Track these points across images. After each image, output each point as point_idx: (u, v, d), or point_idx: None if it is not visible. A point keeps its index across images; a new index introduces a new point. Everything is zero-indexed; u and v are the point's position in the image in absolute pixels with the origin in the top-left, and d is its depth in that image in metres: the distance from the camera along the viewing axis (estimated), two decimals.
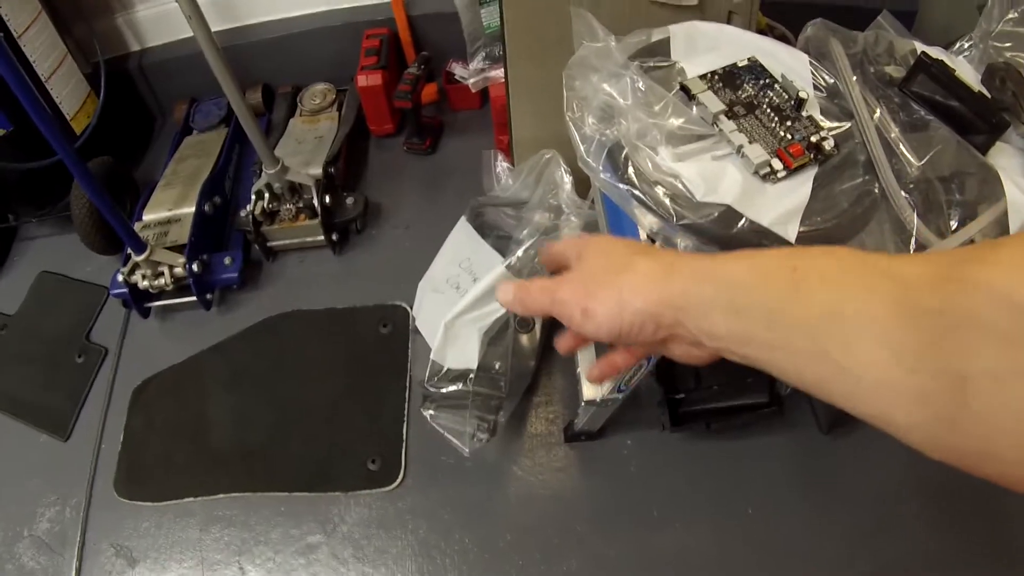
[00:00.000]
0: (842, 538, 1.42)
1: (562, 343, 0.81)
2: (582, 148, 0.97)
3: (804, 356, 0.47)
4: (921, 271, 0.42)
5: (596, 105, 0.98)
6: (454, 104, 2.26)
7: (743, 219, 0.86)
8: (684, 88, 0.99)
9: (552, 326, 1.63)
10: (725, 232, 0.87)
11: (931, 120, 0.97)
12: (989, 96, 0.98)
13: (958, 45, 1.10)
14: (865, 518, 1.43)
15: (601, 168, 0.95)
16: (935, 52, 1.03)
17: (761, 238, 0.86)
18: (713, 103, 0.96)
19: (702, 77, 1.00)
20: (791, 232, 0.86)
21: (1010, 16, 1.04)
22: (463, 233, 1.59)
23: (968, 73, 1.04)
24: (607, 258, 0.63)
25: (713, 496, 1.49)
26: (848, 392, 0.45)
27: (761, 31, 1.39)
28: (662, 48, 1.07)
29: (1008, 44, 1.05)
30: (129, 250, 1.83)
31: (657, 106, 0.95)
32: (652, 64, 1.04)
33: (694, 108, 0.97)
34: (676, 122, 0.94)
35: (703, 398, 1.50)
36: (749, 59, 1.03)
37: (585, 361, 1.37)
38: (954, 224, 0.90)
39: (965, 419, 0.38)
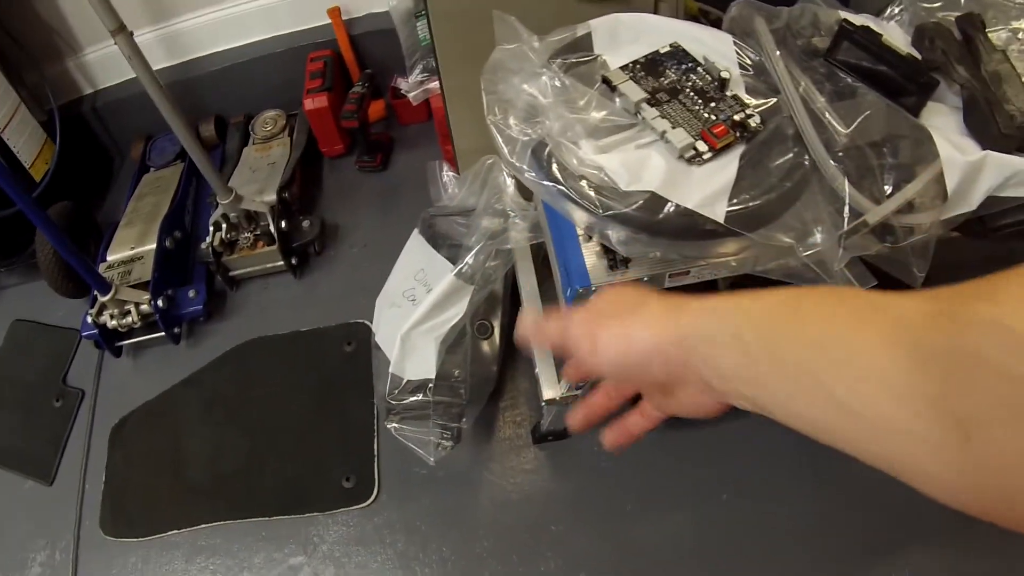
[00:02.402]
0: (820, 518, 1.37)
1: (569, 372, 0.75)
2: (506, 150, 0.92)
3: (807, 394, 0.43)
4: (922, 308, 0.38)
5: (520, 107, 0.93)
6: (402, 119, 2.21)
7: (669, 204, 0.81)
8: (606, 80, 0.94)
9: (513, 329, 1.58)
10: (652, 218, 0.82)
11: (859, 87, 0.93)
12: (919, 57, 0.94)
13: (889, 11, 1.06)
14: (842, 497, 1.39)
15: (526, 167, 0.89)
16: (861, 19, 0.99)
17: (690, 221, 0.81)
18: (634, 92, 0.91)
19: (624, 68, 0.96)
20: (719, 212, 0.82)
21: None
22: (416, 245, 1.55)
23: (898, 37, 1.00)
24: (620, 298, 0.58)
25: (687, 485, 1.44)
26: (855, 437, 0.42)
27: (694, 17, 1.34)
28: (585, 43, 1.02)
29: (938, 4, 1.02)
30: (95, 291, 1.77)
31: (581, 101, 0.90)
32: (575, 60, 0.99)
33: (617, 100, 0.92)
34: (598, 115, 0.90)
35: None
36: (671, 45, 0.98)
37: (543, 363, 1.31)
38: (889, 188, 0.86)
39: (973, 463, 0.35)
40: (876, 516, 1.35)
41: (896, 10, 1.05)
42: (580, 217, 0.87)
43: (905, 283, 1.39)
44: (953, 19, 0.97)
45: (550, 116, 0.89)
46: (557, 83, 0.89)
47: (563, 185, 0.86)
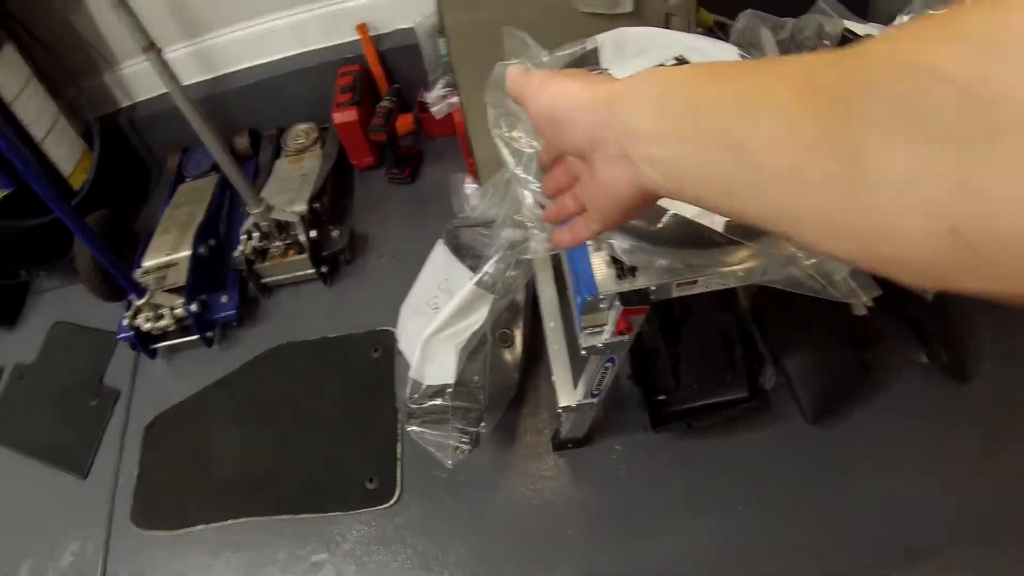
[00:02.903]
0: (837, 527, 1.36)
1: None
2: (511, 162, 0.92)
3: (714, 148, 0.43)
4: (826, 55, 0.38)
5: (527, 120, 0.93)
6: (430, 132, 2.22)
7: (667, 213, 0.81)
8: None
9: (534, 338, 1.60)
10: (651, 227, 0.83)
11: None
12: None
13: (898, 20, 1.04)
14: (859, 502, 1.37)
15: (531, 179, 0.90)
16: (866, 29, 0.99)
17: (690, 230, 0.82)
18: None
19: None
20: (718, 220, 0.82)
21: None
22: (440, 256, 1.56)
23: None
24: (590, 72, 0.60)
25: (703, 495, 1.44)
26: (756, 187, 0.40)
27: (709, 30, 1.34)
28: (592, 57, 1.03)
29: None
30: (131, 295, 1.81)
31: None
32: None
33: None
34: None
35: (683, 398, 1.45)
36: (676, 58, 0.98)
37: (560, 370, 1.32)
38: None
39: (864, 192, 0.34)
40: (895, 530, 1.33)
41: (905, 19, 1.04)
42: None
43: (915, 293, 1.38)
44: None
45: None
46: None
47: None
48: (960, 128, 0.29)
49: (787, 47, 0.99)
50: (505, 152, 0.92)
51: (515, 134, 0.92)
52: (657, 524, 1.41)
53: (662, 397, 1.46)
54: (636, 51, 1.02)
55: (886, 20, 1.05)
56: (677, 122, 0.45)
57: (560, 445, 1.52)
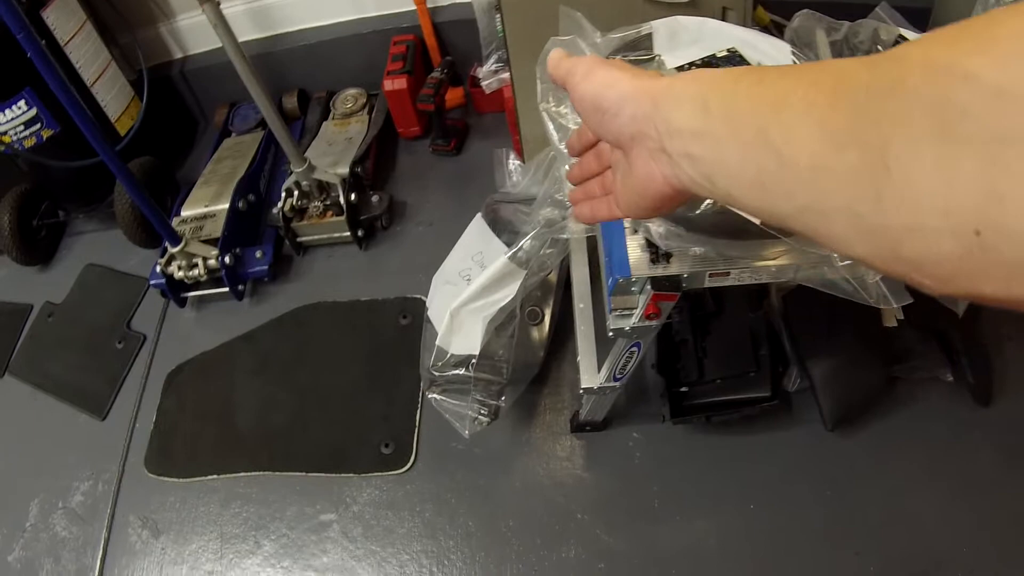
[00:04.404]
0: (848, 534, 1.36)
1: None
2: (555, 137, 0.94)
3: (749, 146, 0.44)
4: (861, 59, 0.39)
5: None
6: (480, 107, 2.24)
7: (705, 201, 0.82)
8: None
9: (564, 319, 1.62)
10: (689, 213, 0.84)
11: None
12: None
13: None
14: (872, 514, 1.38)
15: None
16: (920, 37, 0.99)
17: (726, 219, 0.83)
18: None
19: (679, 68, 0.97)
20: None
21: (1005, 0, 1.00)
22: (477, 228, 1.57)
23: None
24: (633, 65, 0.60)
25: (717, 490, 1.45)
26: (786, 183, 0.42)
27: (766, 28, 1.35)
28: (645, 43, 1.04)
29: None
30: (166, 242, 1.85)
31: None
32: (633, 57, 1.01)
33: None
34: None
35: (705, 391, 1.46)
36: (728, 50, 1.00)
37: (585, 351, 1.34)
38: None
39: (889, 190, 0.35)
40: (906, 542, 1.34)
41: None
42: None
43: (946, 310, 1.38)
44: None
45: None
46: None
47: None
48: (987, 130, 0.30)
49: (840, 49, 1.00)
50: (550, 127, 0.94)
51: (562, 109, 0.94)
52: (666, 514, 1.43)
53: (684, 389, 1.47)
54: (690, 40, 1.03)
55: None
56: (716, 121, 0.47)
57: (578, 427, 1.54)
